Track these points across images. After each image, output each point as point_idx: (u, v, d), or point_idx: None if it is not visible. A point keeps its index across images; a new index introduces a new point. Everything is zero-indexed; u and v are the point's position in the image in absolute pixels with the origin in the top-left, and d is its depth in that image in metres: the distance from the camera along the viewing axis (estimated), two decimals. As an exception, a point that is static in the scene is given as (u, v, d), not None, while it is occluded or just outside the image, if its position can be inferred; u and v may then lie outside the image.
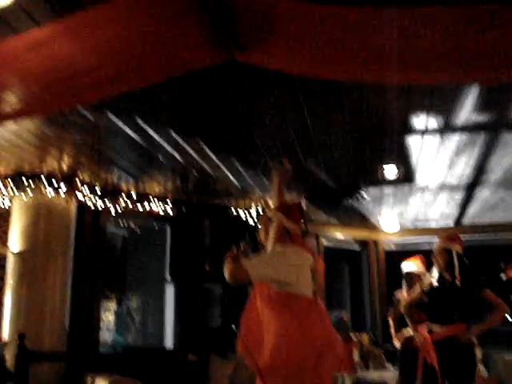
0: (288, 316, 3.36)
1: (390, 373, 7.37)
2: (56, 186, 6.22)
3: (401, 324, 6.06)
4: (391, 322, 6.40)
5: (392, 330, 6.38)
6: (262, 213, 4.05)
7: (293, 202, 3.87)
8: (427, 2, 2.56)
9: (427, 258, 5.55)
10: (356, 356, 7.25)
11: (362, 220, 8.98)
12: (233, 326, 8.05)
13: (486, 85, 4.09)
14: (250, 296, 3.57)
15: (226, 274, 3.35)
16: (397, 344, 6.15)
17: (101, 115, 4.62)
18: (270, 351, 3.35)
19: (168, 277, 7.89)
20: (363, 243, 9.96)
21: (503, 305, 5.03)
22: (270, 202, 3.79)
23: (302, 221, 3.66)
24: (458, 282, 5.02)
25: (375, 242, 9.81)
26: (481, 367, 6.76)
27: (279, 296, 3.36)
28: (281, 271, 3.36)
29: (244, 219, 7.78)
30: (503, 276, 10.28)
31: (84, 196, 6.56)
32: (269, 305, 3.42)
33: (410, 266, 6.26)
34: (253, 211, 7.80)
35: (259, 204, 7.69)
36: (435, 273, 5.28)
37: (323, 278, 3.63)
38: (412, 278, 6.17)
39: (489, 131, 5.20)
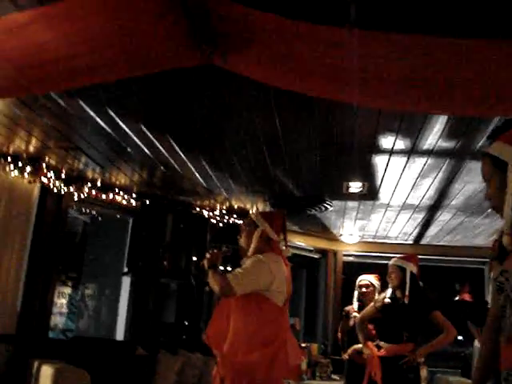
0: (255, 317, 3.54)
1: (337, 383, 7.48)
2: (21, 167, 6.15)
3: (350, 338, 6.16)
4: (339, 336, 6.50)
5: (340, 344, 6.48)
6: (244, 219, 4.20)
7: (277, 211, 4.04)
8: (398, 30, 2.63)
9: (384, 273, 5.64)
10: (303, 364, 7.32)
11: (324, 229, 9.07)
12: (185, 322, 8.10)
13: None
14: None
15: (216, 289, 3.50)
16: (345, 357, 6.25)
17: (72, 102, 4.60)
18: (229, 344, 3.55)
19: (125, 268, 7.85)
20: (323, 252, 10.05)
21: (451, 328, 5.14)
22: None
23: (284, 232, 3.81)
24: (405, 301, 5.12)
25: (334, 252, 9.91)
26: (425, 387, 6.87)
27: (253, 297, 3.51)
28: (262, 281, 3.52)
29: (207, 219, 7.80)
30: (457, 298, 10.47)
31: (48, 179, 6.50)
32: (240, 303, 3.58)
33: (366, 277, 6.36)
34: (217, 212, 7.83)
35: (224, 205, 7.73)
36: (389, 291, 5.38)
37: (291, 287, 3.77)
38: (364, 292, 6.27)
39: (454, 157, 5.32)
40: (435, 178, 5.90)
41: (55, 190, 6.69)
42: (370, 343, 5.42)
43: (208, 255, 3.66)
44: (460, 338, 8.55)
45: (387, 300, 5.34)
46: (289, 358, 3.53)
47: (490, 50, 2.59)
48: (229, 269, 4.11)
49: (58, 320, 9.83)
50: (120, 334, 7.94)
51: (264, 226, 3.72)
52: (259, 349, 3.43)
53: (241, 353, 3.45)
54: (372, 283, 6.26)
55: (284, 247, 3.81)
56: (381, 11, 2.85)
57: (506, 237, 1.95)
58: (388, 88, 2.79)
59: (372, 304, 5.59)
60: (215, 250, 3.73)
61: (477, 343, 7.28)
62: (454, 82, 2.66)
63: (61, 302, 10.03)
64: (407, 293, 5.12)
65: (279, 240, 3.78)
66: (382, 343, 5.28)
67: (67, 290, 10.20)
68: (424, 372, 5.17)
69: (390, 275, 5.33)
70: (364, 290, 6.24)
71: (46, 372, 5.63)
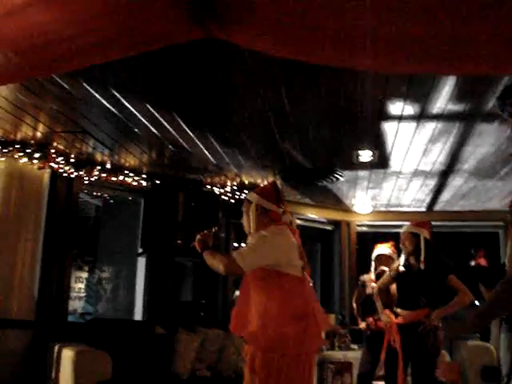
0: (277, 292, 3.47)
1: (355, 353, 7.50)
2: (30, 153, 6.15)
3: (365, 307, 6.16)
4: (355, 305, 6.50)
5: (356, 313, 6.48)
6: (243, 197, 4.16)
7: (268, 183, 3.97)
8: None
9: (398, 242, 5.63)
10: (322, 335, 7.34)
11: (336, 201, 9.02)
12: (202, 300, 8.15)
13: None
14: (243, 278, 3.66)
15: (221, 268, 3.43)
16: (362, 327, 6.26)
17: (77, 85, 4.58)
18: (259, 321, 3.48)
19: (140, 249, 7.87)
20: (336, 223, 10.00)
21: (466, 290, 5.14)
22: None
23: (280, 199, 3.74)
24: (422, 266, 5.10)
25: (347, 223, 9.87)
26: (444, 352, 6.88)
27: (269, 274, 3.46)
28: (269, 256, 3.46)
29: (218, 196, 7.78)
30: (472, 262, 10.44)
31: (58, 164, 6.50)
32: (259, 283, 3.53)
33: (382, 248, 6.35)
34: (228, 188, 7.81)
35: (235, 181, 7.70)
36: (402, 258, 5.37)
37: (304, 253, 3.71)
38: (382, 261, 6.26)
39: (464, 121, 5.26)
40: (446, 142, 5.83)
41: (65, 175, 6.70)
42: (387, 311, 5.43)
43: (198, 237, 3.64)
44: (477, 303, 8.51)
45: (401, 268, 5.34)
46: (320, 328, 3.53)
47: (500, 5, 2.52)
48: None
49: (76, 304, 9.93)
50: (138, 315, 8.00)
51: (257, 200, 3.68)
52: (292, 322, 3.39)
53: (272, 327, 3.40)
54: (388, 255, 6.23)
55: (284, 215, 3.72)
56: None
57: None
58: (400, 51, 2.72)
59: (387, 273, 5.59)
60: (205, 232, 3.71)
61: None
62: (464, 40, 2.59)
63: (78, 286, 10.13)
64: (423, 258, 5.10)
65: (278, 210, 3.70)
66: (399, 310, 5.29)
67: (84, 274, 10.30)
68: (441, 336, 5.15)
69: (403, 242, 5.33)
70: (382, 265, 6.21)
71: (67, 355, 5.68)
